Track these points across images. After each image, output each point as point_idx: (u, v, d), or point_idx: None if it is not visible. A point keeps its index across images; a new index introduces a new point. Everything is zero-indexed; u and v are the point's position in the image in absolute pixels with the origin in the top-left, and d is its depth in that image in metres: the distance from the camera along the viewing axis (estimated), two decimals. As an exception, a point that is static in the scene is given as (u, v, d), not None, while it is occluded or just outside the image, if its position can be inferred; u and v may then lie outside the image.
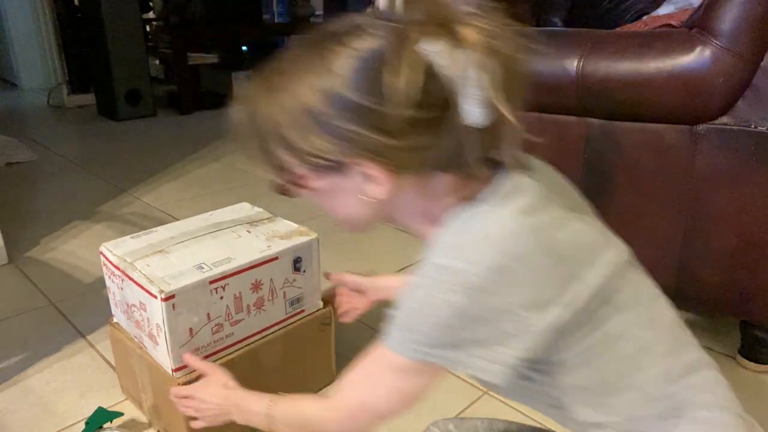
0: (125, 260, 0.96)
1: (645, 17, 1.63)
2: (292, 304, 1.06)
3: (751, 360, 1.18)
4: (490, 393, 1.15)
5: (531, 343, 0.51)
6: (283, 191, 0.60)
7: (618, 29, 1.62)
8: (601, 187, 1.19)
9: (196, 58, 3.84)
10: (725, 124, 1.01)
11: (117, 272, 0.98)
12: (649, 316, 0.58)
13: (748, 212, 1.03)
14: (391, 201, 0.55)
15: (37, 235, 1.87)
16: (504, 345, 0.51)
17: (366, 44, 0.49)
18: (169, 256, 0.97)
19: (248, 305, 0.99)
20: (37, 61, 4.27)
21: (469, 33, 0.47)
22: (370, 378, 0.60)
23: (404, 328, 0.54)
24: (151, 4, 3.95)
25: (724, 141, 1.02)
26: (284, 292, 1.04)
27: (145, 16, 3.71)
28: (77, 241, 1.84)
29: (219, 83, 3.85)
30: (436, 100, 0.49)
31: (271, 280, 1.01)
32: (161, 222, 1.96)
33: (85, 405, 1.12)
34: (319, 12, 4.24)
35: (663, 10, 1.63)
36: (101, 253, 1.02)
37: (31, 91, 4.31)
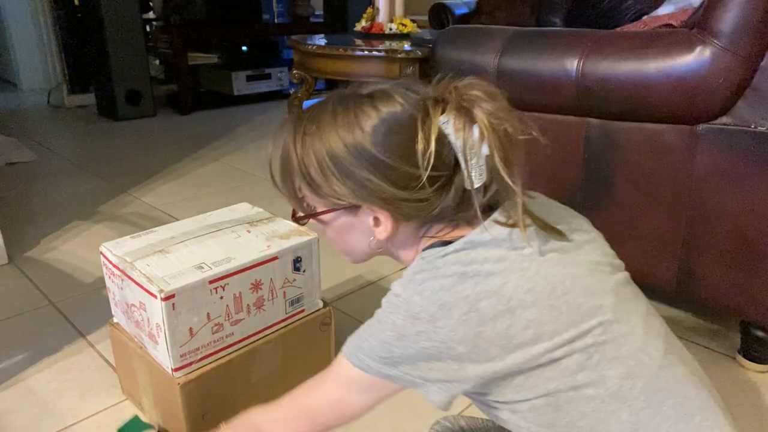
0: (125, 260, 0.96)
1: (645, 17, 1.63)
2: (292, 303, 1.06)
3: (751, 360, 1.18)
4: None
5: (460, 380, 0.56)
6: (299, 221, 0.68)
7: (618, 29, 1.62)
8: (601, 187, 1.20)
9: (196, 58, 3.84)
10: (725, 124, 1.01)
11: (117, 272, 0.98)
12: (628, 368, 0.56)
13: (748, 212, 1.03)
14: (390, 241, 0.65)
15: (37, 235, 1.87)
16: (436, 371, 0.57)
17: (393, 110, 0.59)
18: (169, 255, 0.97)
19: (248, 305, 0.99)
20: (37, 61, 4.27)
21: (477, 113, 0.56)
22: (319, 385, 0.65)
23: (357, 337, 0.61)
24: (151, 4, 3.95)
25: (724, 141, 1.02)
26: (284, 292, 1.04)
27: (145, 16, 3.71)
28: (77, 241, 1.84)
29: (219, 83, 3.85)
30: (445, 164, 0.58)
31: (271, 279, 1.01)
32: (161, 222, 1.96)
33: (85, 405, 1.12)
34: (319, 12, 4.24)
35: (663, 10, 1.64)
36: (101, 253, 1.02)
37: (31, 91, 4.31)
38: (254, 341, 1.02)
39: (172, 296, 0.88)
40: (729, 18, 0.95)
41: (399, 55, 2.23)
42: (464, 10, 3.08)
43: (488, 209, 0.62)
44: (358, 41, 2.60)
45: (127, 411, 1.10)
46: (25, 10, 4.10)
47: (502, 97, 0.58)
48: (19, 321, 1.41)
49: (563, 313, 0.56)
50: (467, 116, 0.56)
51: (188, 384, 0.93)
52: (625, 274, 0.63)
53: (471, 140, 0.56)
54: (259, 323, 1.02)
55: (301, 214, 0.67)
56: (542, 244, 0.58)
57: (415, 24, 2.73)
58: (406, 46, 2.35)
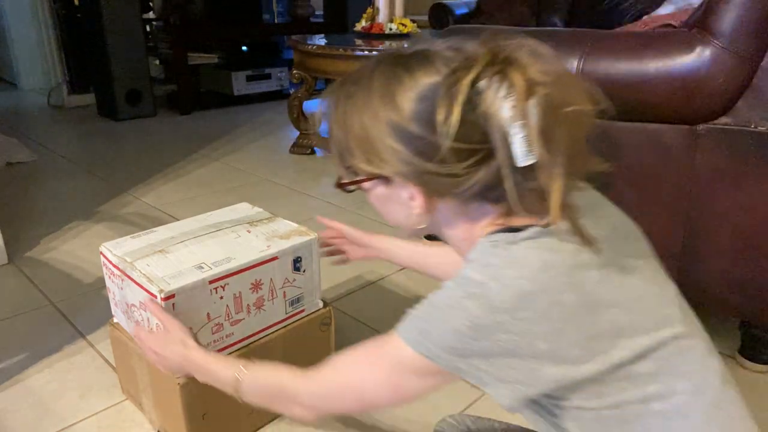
0: (125, 260, 0.96)
1: (645, 17, 1.63)
2: (292, 303, 1.06)
3: (751, 360, 1.18)
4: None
5: (535, 381, 0.52)
6: (339, 187, 0.64)
7: (618, 29, 1.62)
8: (601, 187, 1.19)
9: (196, 58, 3.84)
10: (725, 124, 1.01)
11: (117, 272, 0.98)
12: (694, 384, 0.55)
13: (748, 212, 1.03)
14: (431, 218, 0.61)
15: (37, 235, 1.87)
16: (511, 368, 0.52)
17: (427, 78, 0.55)
18: (169, 255, 0.97)
19: (248, 305, 0.99)
20: (37, 61, 4.27)
21: (514, 75, 0.50)
22: (369, 362, 0.61)
23: (420, 320, 0.56)
24: (151, 4, 3.95)
25: (724, 141, 1.02)
26: (284, 292, 1.04)
27: (145, 16, 3.71)
28: (77, 241, 1.84)
29: (219, 83, 3.85)
30: (478, 135, 0.52)
31: (271, 279, 1.01)
32: (161, 222, 1.96)
33: (85, 405, 1.12)
34: (319, 12, 4.24)
35: (663, 10, 1.63)
36: (101, 253, 1.02)
37: (31, 91, 4.31)
38: (254, 341, 1.02)
39: (172, 296, 0.88)
40: (729, 18, 0.95)
41: (399, 55, 2.22)
42: (464, 10, 3.08)
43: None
44: (358, 41, 2.60)
45: (128, 411, 1.10)
46: (25, 10, 4.10)
47: (554, 59, 0.52)
48: (19, 321, 1.41)
49: (639, 319, 0.53)
50: (507, 79, 0.50)
51: (188, 384, 0.93)
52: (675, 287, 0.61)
53: (513, 108, 0.50)
54: (259, 323, 1.02)
55: (344, 180, 0.64)
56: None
57: (415, 24, 2.74)
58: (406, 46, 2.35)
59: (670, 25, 1.32)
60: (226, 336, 0.97)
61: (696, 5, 1.15)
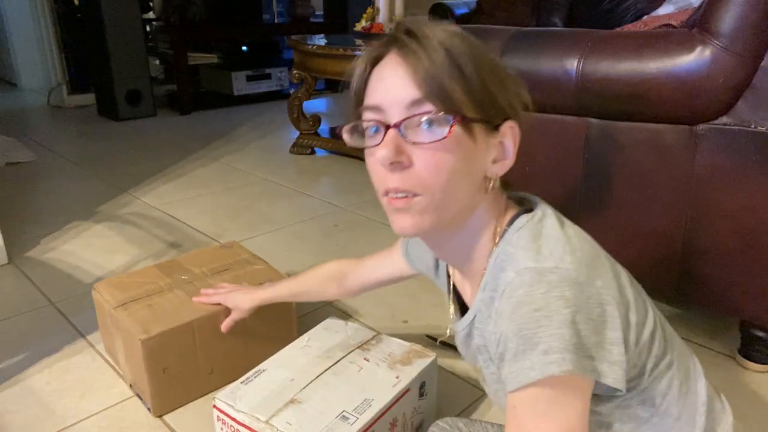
0: (258, 419, 0.83)
1: (645, 17, 1.63)
2: (416, 430, 0.99)
3: (751, 360, 1.18)
4: (490, 393, 1.15)
5: (630, 343, 0.54)
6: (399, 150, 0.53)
7: (618, 29, 1.62)
8: (601, 187, 1.19)
9: (196, 58, 3.84)
10: (725, 124, 1.01)
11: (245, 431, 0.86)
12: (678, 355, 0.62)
13: (748, 212, 1.03)
14: (489, 192, 0.58)
15: (37, 235, 1.87)
16: (615, 344, 0.50)
17: None
18: (303, 406, 0.86)
19: None
20: (37, 61, 4.27)
21: None
22: (536, 424, 0.49)
23: (533, 349, 0.48)
24: (151, 4, 3.95)
25: (724, 141, 1.02)
26: (412, 422, 0.97)
27: (145, 16, 3.71)
28: (77, 241, 1.84)
29: (219, 83, 3.85)
30: None
31: (404, 413, 0.93)
32: (161, 222, 1.96)
33: (85, 405, 1.12)
34: (319, 12, 4.24)
35: (663, 10, 1.63)
36: (216, 407, 0.89)
37: (31, 91, 4.31)
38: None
39: None
40: (729, 18, 0.95)
41: (399, 55, 2.22)
42: (464, 10, 3.08)
43: None
44: (358, 41, 2.60)
45: (127, 411, 1.10)
46: (25, 10, 4.09)
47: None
48: (19, 321, 1.41)
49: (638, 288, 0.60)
50: None
51: (149, 340, 1.00)
52: None
53: None
54: None
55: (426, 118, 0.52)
56: None
57: (415, 24, 2.73)
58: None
59: (670, 25, 1.32)
60: None
61: (696, 5, 1.15)
